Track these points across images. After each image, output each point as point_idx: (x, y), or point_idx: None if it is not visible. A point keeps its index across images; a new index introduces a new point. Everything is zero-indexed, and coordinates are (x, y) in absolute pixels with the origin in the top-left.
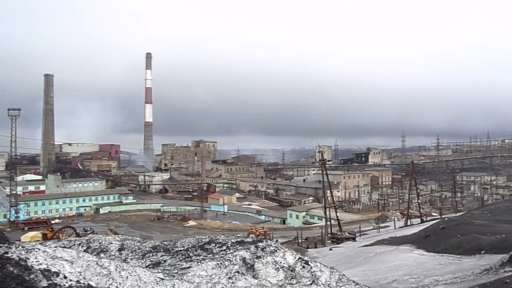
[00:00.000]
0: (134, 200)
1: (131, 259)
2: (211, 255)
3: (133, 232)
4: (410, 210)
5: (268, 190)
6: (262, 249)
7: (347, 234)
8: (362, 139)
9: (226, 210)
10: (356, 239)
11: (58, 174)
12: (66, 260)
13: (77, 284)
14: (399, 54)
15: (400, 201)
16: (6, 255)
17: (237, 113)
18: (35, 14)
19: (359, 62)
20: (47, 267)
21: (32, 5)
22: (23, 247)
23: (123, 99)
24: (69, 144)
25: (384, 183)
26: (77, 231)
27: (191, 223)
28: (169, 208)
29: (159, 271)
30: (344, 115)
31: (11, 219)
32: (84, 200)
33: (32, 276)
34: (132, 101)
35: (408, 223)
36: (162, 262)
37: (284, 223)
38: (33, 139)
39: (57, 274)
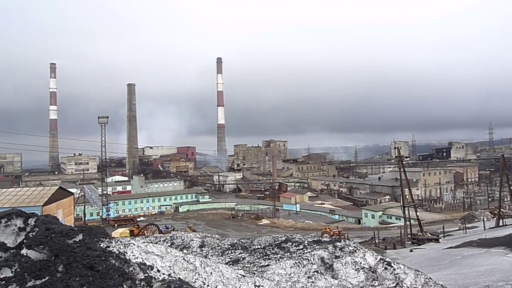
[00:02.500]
0: (210, 199)
1: (211, 255)
2: (288, 253)
3: (210, 229)
4: (502, 209)
5: (341, 189)
6: (341, 249)
7: (429, 235)
8: (442, 133)
9: (298, 209)
10: (440, 240)
11: (142, 175)
12: (157, 255)
13: (169, 278)
14: (479, 34)
15: (490, 199)
16: (108, 248)
17: (307, 111)
18: (118, 30)
19: (435, 49)
20: (142, 260)
21: (115, 22)
22: (121, 242)
23: (197, 103)
24: (151, 147)
25: (469, 180)
26: (160, 228)
27: (264, 221)
28: (243, 207)
29: (239, 268)
30: (420, 108)
31: (103, 217)
32: (165, 199)
33: (131, 268)
34: (205, 104)
35: (500, 224)
36: (241, 259)
37: (359, 223)
38: (118, 143)
39: (151, 267)
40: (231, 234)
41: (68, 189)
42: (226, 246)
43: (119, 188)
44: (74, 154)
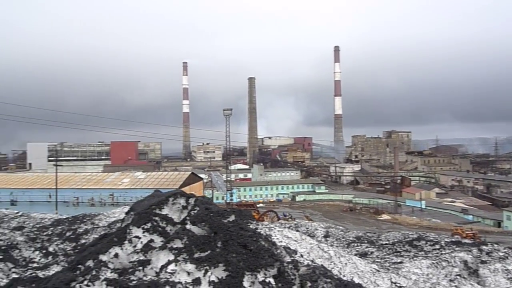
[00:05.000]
0: (326, 190)
1: (336, 246)
2: (422, 252)
3: (326, 221)
4: None
5: (476, 186)
6: (488, 254)
7: None
8: None
9: (423, 206)
10: None
11: (261, 164)
12: (295, 241)
13: (313, 264)
14: None
15: None
16: (257, 230)
17: (434, 98)
18: (239, 28)
19: None
20: (286, 244)
21: (237, 20)
22: (265, 225)
23: (313, 93)
24: (269, 138)
25: None
26: (278, 215)
27: (385, 217)
28: (361, 200)
29: (370, 262)
30: None
31: (227, 201)
32: (282, 188)
33: (278, 251)
34: (322, 94)
35: None
36: (369, 253)
37: (499, 226)
38: (239, 133)
39: (295, 252)
40: (349, 228)
41: (198, 175)
42: (351, 238)
43: (241, 176)
44: (203, 143)
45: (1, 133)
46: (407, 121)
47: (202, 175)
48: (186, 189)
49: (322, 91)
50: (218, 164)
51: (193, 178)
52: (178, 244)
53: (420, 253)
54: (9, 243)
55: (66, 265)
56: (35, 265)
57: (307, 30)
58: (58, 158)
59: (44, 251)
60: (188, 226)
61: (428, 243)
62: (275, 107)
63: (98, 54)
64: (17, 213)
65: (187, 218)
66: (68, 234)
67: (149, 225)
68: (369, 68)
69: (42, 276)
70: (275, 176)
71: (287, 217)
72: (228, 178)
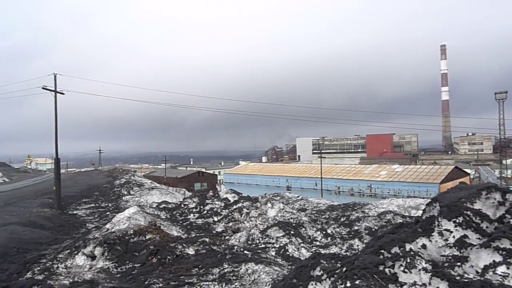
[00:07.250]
0: None
1: None
2: None
3: None
4: None
5: None
6: None
7: None
8: None
9: None
10: None
11: None
12: None
13: None
14: None
15: None
16: None
17: None
18: None
19: None
20: None
21: None
22: None
23: None
24: None
25: None
26: None
27: None
28: None
29: None
30: None
31: None
32: None
33: None
34: None
35: None
36: None
37: None
38: None
39: None
40: None
41: (463, 169)
42: None
43: None
44: (467, 134)
45: (277, 130)
46: None
47: (467, 170)
48: (449, 185)
49: None
50: (488, 158)
51: (457, 173)
52: (506, 244)
53: None
54: (297, 221)
55: (369, 249)
56: (317, 243)
57: None
58: (321, 151)
59: (324, 232)
60: None
61: None
62: None
63: (352, 51)
64: (297, 197)
65: (506, 215)
66: (342, 219)
67: (461, 219)
68: None
69: (339, 255)
70: None
71: None
72: (503, 175)
